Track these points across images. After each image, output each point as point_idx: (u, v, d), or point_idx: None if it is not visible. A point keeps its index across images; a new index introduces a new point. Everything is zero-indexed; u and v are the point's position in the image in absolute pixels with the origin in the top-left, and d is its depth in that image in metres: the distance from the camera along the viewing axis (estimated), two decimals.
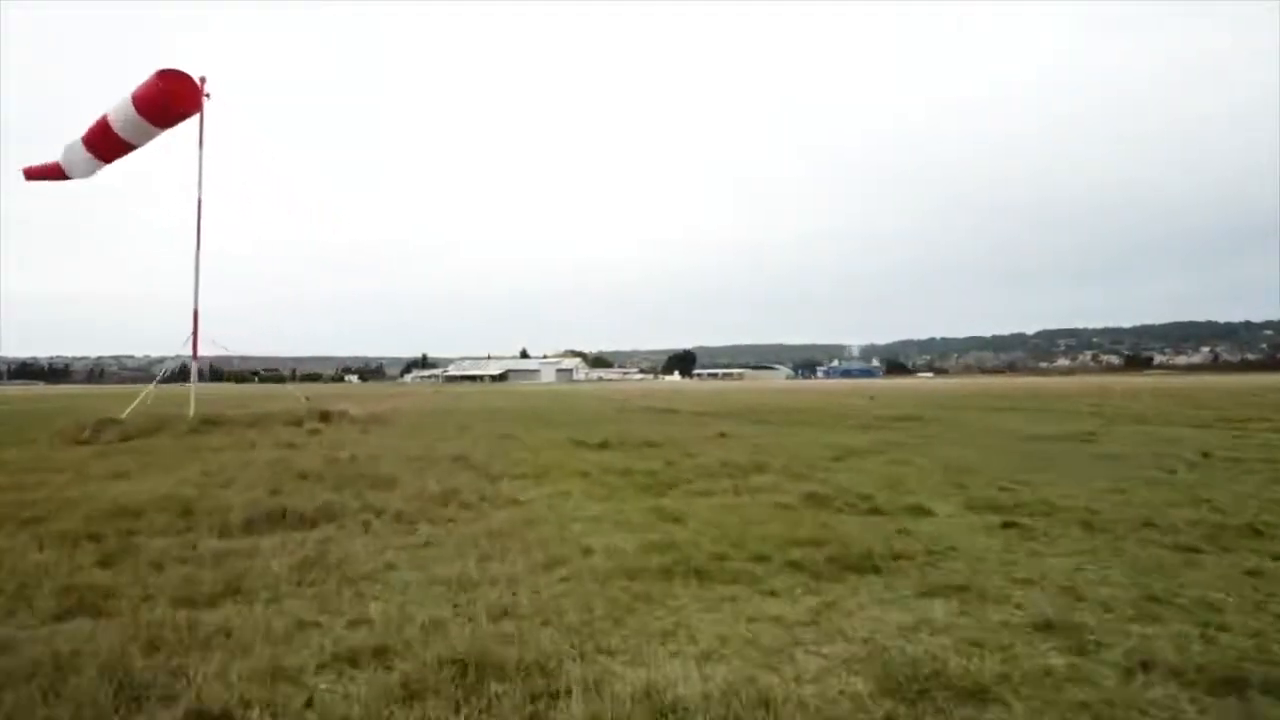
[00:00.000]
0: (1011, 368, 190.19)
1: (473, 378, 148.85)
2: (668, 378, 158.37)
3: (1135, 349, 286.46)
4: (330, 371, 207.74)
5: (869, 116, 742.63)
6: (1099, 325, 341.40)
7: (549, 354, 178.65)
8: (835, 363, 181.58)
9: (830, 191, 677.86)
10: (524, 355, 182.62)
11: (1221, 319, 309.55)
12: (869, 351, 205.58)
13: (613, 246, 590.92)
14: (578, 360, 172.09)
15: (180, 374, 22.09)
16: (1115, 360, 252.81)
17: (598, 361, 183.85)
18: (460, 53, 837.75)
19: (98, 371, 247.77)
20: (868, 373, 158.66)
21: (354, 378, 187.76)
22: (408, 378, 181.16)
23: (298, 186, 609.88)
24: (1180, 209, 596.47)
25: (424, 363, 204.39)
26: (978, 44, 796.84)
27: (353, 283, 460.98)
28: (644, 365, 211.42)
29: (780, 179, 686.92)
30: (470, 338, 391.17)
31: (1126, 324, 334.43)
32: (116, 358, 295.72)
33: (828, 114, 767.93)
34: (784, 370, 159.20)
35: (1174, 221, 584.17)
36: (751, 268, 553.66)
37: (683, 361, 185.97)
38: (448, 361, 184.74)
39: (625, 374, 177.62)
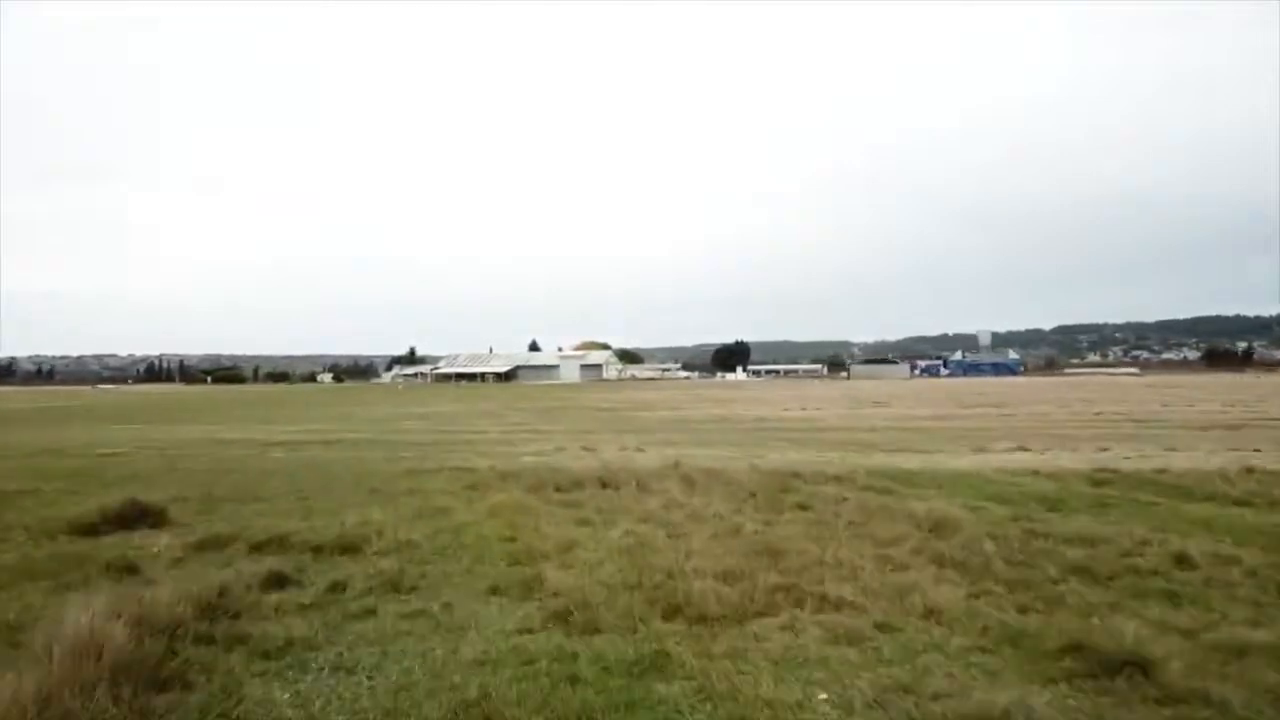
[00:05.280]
0: (1052, 364, 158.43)
1: (471, 376, 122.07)
2: (729, 376, 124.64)
3: (1164, 344, 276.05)
4: (318, 370, 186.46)
5: (875, 129, 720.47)
6: (1119, 320, 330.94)
7: (565, 347, 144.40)
8: (959, 354, 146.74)
9: (835, 198, 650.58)
10: (534, 348, 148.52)
11: (1250, 313, 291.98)
12: (1001, 339, 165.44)
13: (609, 246, 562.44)
14: (607, 354, 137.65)
15: None
16: (1143, 355, 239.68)
17: (625, 356, 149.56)
18: (477, 51, 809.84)
19: (47, 370, 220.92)
20: (1005, 368, 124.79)
21: (327, 376, 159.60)
22: (387, 376, 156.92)
23: (303, 187, 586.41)
24: (1195, 208, 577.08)
25: (411, 358, 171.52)
26: (982, 56, 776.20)
27: (355, 282, 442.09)
28: (669, 361, 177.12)
29: (786, 184, 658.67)
30: (470, 337, 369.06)
31: (1149, 319, 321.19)
32: (98, 356, 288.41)
33: (833, 125, 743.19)
34: (901, 366, 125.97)
35: (1190, 220, 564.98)
36: (751, 267, 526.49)
37: (732, 356, 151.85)
38: (438, 359, 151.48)
39: (665, 371, 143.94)
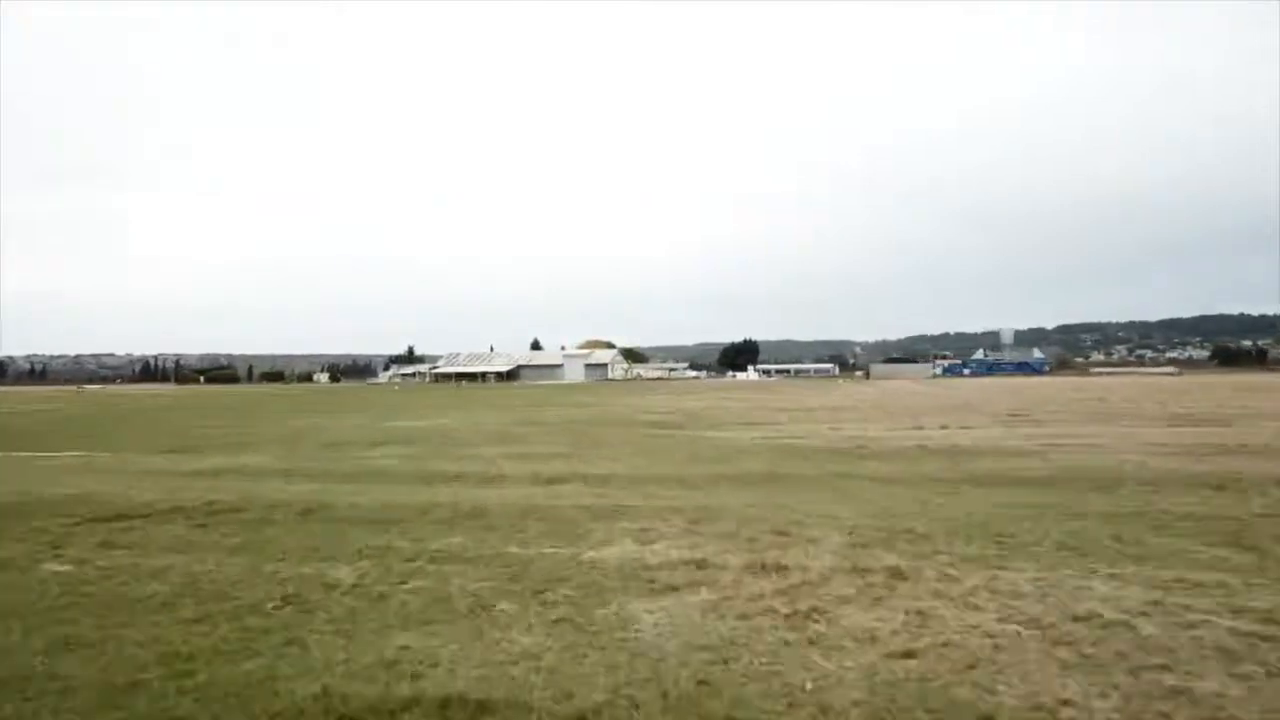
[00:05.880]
0: (1065, 364, 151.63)
1: (472, 376, 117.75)
2: (739, 375, 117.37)
3: (1167, 343, 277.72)
4: (317, 369, 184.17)
5: (872, 129, 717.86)
6: (1122, 320, 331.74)
7: (567, 345, 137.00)
8: (980, 353, 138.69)
9: (834, 198, 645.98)
10: (536, 347, 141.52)
11: (1254, 312, 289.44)
12: (1024, 338, 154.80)
13: (609, 246, 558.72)
14: (613, 353, 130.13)
15: None
16: (1148, 355, 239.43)
17: (630, 355, 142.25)
18: (477, 51, 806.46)
19: (40, 369, 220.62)
20: (1029, 368, 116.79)
21: (324, 376, 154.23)
22: (384, 375, 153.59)
23: (303, 187, 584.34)
24: (1195, 208, 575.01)
25: (410, 358, 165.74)
26: (979, 56, 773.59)
27: (354, 282, 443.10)
28: (671, 360, 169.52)
29: (785, 184, 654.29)
30: (470, 337, 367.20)
31: (1152, 318, 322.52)
32: (95, 356, 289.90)
33: (830, 125, 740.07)
34: (923, 366, 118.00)
35: (1190, 220, 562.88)
36: (750, 266, 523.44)
37: (741, 355, 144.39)
38: (437, 358, 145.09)
39: (672, 371, 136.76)
